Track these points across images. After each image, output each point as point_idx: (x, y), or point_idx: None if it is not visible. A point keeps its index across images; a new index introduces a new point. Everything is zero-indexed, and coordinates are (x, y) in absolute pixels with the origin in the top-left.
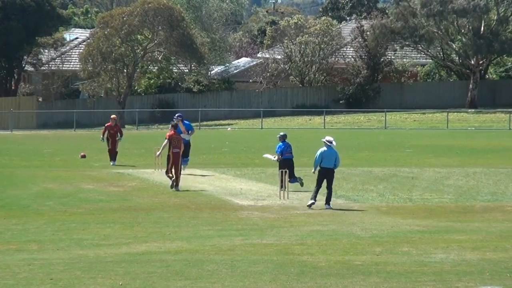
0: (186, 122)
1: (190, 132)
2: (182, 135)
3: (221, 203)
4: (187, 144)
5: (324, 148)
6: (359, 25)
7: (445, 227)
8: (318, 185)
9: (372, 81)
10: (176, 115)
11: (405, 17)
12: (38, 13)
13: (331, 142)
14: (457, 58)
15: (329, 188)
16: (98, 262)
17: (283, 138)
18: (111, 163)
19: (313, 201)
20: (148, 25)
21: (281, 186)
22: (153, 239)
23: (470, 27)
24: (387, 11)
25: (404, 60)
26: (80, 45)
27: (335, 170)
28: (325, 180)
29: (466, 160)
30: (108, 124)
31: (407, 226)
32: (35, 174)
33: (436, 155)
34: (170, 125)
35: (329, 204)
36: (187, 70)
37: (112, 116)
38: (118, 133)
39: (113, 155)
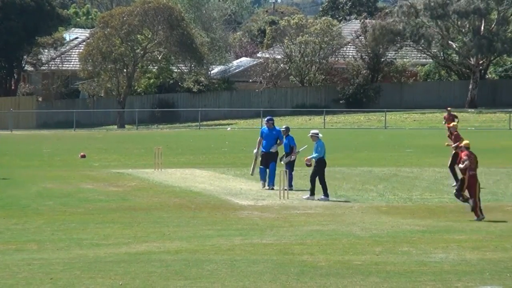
0: (277, 128)
1: (280, 141)
2: (273, 147)
3: (221, 203)
4: (276, 154)
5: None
6: (363, 25)
7: (445, 227)
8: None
9: (372, 81)
10: (267, 117)
11: (407, 17)
12: (38, 13)
13: (318, 134)
14: (457, 57)
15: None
16: (98, 262)
17: (287, 131)
18: None
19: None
20: (148, 25)
21: (285, 186)
22: (153, 239)
23: (471, 27)
24: (386, 11)
25: (404, 59)
26: (80, 45)
27: None
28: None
29: None
30: None
31: (407, 226)
32: (35, 174)
33: (436, 155)
34: None
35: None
36: (187, 70)
37: None
38: None
39: None
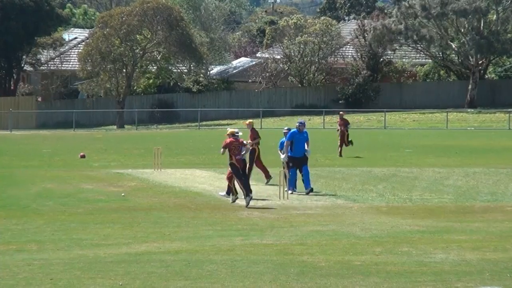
0: (305, 131)
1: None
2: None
3: (221, 203)
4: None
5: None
6: (361, 24)
7: (445, 227)
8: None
9: (372, 81)
10: (300, 121)
11: (406, 18)
12: (37, 13)
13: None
14: (457, 58)
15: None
16: (98, 262)
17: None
18: None
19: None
20: (147, 25)
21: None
22: (153, 239)
23: (470, 27)
24: (385, 11)
25: (404, 60)
26: (79, 45)
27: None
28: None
29: (465, 160)
30: None
31: (407, 226)
32: (34, 174)
33: (436, 155)
34: None
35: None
36: (186, 70)
37: None
38: None
39: None
